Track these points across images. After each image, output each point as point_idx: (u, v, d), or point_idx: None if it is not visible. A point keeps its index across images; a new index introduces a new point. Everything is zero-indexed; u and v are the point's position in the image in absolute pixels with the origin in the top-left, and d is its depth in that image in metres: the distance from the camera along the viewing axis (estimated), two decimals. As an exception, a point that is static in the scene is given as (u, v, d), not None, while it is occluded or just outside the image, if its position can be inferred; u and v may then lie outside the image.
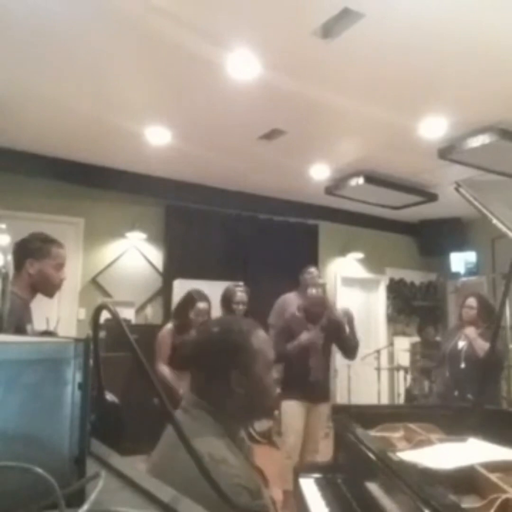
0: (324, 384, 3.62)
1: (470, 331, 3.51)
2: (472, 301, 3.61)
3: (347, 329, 3.62)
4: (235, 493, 0.88)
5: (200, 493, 0.69)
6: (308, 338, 3.46)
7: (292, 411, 3.50)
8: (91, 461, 0.64)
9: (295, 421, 3.48)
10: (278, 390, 4.20)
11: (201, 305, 3.63)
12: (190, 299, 3.68)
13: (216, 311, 3.83)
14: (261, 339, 1.24)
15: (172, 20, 2.88)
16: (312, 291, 3.57)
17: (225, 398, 1.16)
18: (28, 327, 2.17)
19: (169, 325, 3.70)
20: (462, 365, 3.47)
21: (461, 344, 3.56)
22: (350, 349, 3.67)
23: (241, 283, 4.18)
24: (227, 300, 3.86)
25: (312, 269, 4.30)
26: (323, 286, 3.65)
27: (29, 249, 2.19)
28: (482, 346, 3.35)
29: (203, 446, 1.00)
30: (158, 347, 3.61)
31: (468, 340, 3.50)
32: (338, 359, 6.16)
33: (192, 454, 0.74)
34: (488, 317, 3.58)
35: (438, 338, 6.47)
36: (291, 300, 4.22)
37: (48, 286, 2.25)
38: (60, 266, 2.27)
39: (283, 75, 3.46)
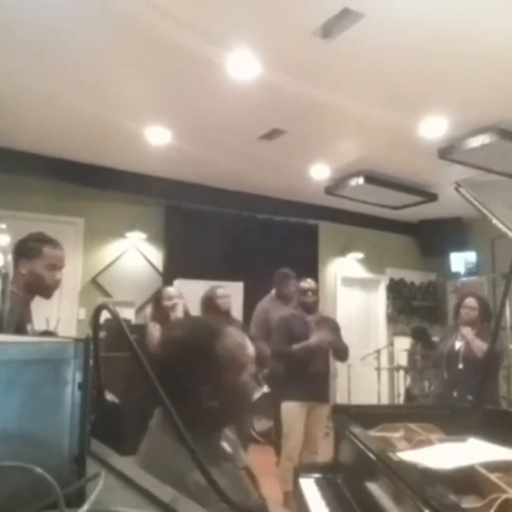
0: (324, 385, 3.62)
1: (467, 331, 3.48)
2: (472, 302, 3.59)
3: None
4: None
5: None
6: (317, 340, 3.47)
7: (292, 412, 3.50)
8: (91, 461, 0.64)
9: (296, 423, 3.48)
10: (260, 387, 4.27)
11: (170, 289, 3.52)
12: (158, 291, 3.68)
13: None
14: (230, 341, 1.11)
15: (172, 20, 2.88)
16: (304, 284, 3.71)
17: (199, 414, 1.06)
18: (28, 327, 2.17)
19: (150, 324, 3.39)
20: (460, 366, 3.45)
21: (458, 344, 3.54)
22: (342, 352, 3.72)
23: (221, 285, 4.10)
24: (209, 300, 3.79)
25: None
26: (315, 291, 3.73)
27: (22, 249, 2.18)
28: (480, 346, 3.34)
29: (186, 470, 0.94)
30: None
31: (465, 340, 3.49)
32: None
33: (193, 457, 0.74)
34: (487, 318, 3.58)
35: (434, 338, 6.45)
36: (270, 309, 4.37)
37: (41, 286, 2.22)
38: (52, 266, 2.22)
39: (283, 75, 3.46)
